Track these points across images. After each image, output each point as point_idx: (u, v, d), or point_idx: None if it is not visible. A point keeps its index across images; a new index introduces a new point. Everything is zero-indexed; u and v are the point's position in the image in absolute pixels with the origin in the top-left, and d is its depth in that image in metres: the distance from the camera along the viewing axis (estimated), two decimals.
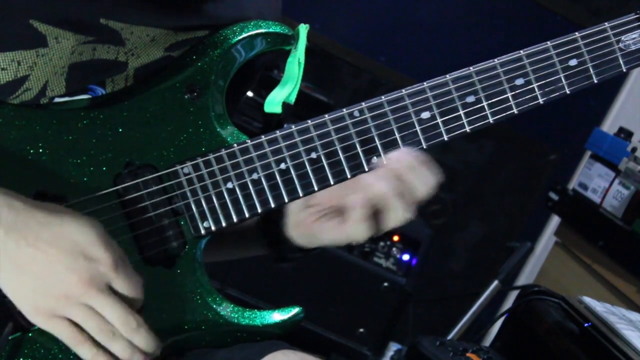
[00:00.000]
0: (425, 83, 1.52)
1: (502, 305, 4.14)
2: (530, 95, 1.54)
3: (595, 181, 3.28)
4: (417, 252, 3.47)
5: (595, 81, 1.56)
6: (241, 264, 3.09)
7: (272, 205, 1.49)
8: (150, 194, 1.46)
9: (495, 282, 3.02)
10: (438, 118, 1.52)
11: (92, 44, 1.45)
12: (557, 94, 1.55)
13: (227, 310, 1.52)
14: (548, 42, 1.55)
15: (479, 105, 1.53)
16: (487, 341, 3.64)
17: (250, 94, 2.92)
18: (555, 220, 4.00)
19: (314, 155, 1.49)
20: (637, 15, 1.58)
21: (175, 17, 1.49)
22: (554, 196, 3.50)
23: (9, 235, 1.28)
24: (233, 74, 1.53)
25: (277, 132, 1.49)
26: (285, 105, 1.55)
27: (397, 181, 1.48)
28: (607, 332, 1.97)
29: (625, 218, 3.02)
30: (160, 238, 1.47)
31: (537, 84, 1.54)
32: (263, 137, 1.49)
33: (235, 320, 1.52)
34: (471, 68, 1.53)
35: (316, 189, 1.50)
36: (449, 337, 2.97)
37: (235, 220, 1.48)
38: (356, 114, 1.50)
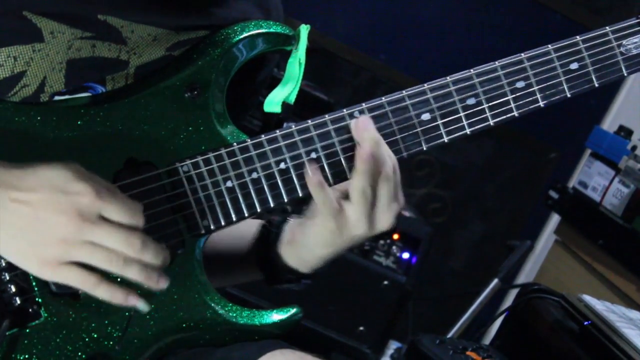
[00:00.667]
0: (426, 84, 1.52)
1: (502, 303, 4.13)
2: (531, 98, 1.54)
3: (595, 179, 3.28)
4: (417, 251, 3.46)
5: (596, 85, 1.56)
6: None
7: (272, 205, 1.49)
8: (150, 191, 1.46)
9: (495, 281, 3.02)
10: (439, 120, 1.52)
11: (90, 40, 1.45)
12: (558, 97, 1.55)
13: (225, 309, 1.52)
14: (549, 46, 1.55)
15: (480, 108, 1.53)
16: (487, 339, 3.64)
17: None
18: (555, 219, 4.00)
19: (314, 155, 1.49)
20: (638, 20, 1.58)
21: (178, 17, 1.49)
22: (554, 194, 3.49)
23: None
24: (237, 79, 1.53)
25: (277, 131, 1.49)
26: (284, 104, 1.55)
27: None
28: (606, 331, 1.97)
29: (625, 216, 3.02)
30: (159, 236, 1.46)
31: (538, 87, 1.54)
32: (263, 136, 1.49)
33: (234, 320, 1.52)
34: (472, 70, 1.53)
35: None
36: (449, 335, 2.97)
37: (234, 219, 1.48)
38: (357, 114, 1.50)
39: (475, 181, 4.42)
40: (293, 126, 1.49)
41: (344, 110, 1.50)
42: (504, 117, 1.54)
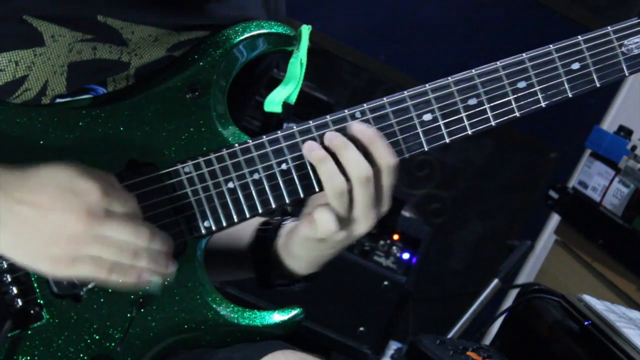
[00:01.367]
0: (427, 85, 1.52)
1: (502, 303, 4.13)
2: (532, 99, 1.54)
3: (595, 179, 3.28)
4: (417, 251, 3.46)
5: (598, 85, 1.56)
6: None
7: (273, 206, 1.49)
8: (151, 192, 1.46)
9: (496, 281, 3.02)
10: (440, 120, 1.52)
11: (91, 43, 1.44)
12: (560, 97, 1.55)
13: (227, 310, 1.52)
14: (550, 46, 1.55)
15: (481, 108, 1.53)
16: (487, 339, 3.64)
17: None
18: (555, 219, 4.00)
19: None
20: (639, 20, 1.58)
21: (178, 17, 1.49)
22: (554, 194, 3.49)
23: None
24: (235, 74, 1.53)
25: (279, 132, 1.49)
26: (285, 104, 1.55)
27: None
28: (607, 331, 1.97)
29: (625, 216, 3.02)
30: None
31: (539, 87, 1.54)
32: (264, 137, 1.49)
33: (235, 321, 1.52)
34: (473, 70, 1.53)
35: (317, 189, 1.50)
36: (449, 335, 2.97)
37: (236, 220, 1.48)
38: (358, 115, 1.50)
39: (475, 181, 4.42)
40: (294, 127, 1.50)
41: (346, 110, 1.50)
42: (506, 117, 1.54)
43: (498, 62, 1.53)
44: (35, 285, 1.41)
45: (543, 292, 2.32)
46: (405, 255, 3.45)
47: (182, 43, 1.52)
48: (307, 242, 1.54)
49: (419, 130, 1.52)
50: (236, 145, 1.48)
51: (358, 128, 1.47)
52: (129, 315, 1.45)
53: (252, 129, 2.92)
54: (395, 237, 3.47)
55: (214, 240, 1.56)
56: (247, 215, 1.48)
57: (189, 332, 1.51)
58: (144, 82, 1.50)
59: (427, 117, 1.52)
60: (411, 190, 4.28)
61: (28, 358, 1.42)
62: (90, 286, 1.42)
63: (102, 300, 1.44)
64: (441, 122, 1.52)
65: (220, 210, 1.48)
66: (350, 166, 1.45)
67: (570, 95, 1.55)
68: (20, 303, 1.41)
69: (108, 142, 1.45)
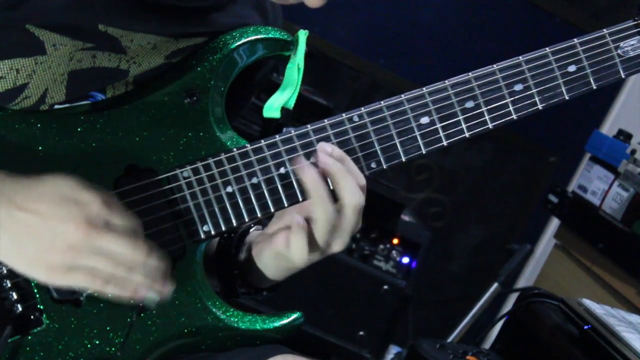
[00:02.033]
0: (424, 88, 1.52)
1: (502, 307, 4.14)
2: (529, 101, 1.54)
3: (594, 183, 3.28)
4: (416, 255, 3.46)
5: (594, 87, 1.56)
6: None
7: (272, 210, 1.49)
8: (150, 197, 1.46)
9: (495, 285, 3.03)
10: (437, 123, 1.52)
11: (91, 51, 1.45)
12: (556, 99, 1.55)
13: (227, 314, 1.52)
14: (547, 48, 1.55)
15: (478, 111, 1.53)
16: (487, 344, 3.64)
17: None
18: (554, 223, 4.00)
19: (313, 159, 1.49)
20: (636, 22, 1.58)
21: (177, 24, 1.49)
22: (553, 198, 3.49)
23: None
24: (233, 79, 1.53)
25: (277, 136, 1.49)
26: (284, 109, 1.55)
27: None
28: (606, 335, 1.97)
29: (625, 220, 3.02)
30: (160, 241, 1.47)
31: (536, 90, 1.54)
32: (262, 141, 1.49)
33: (235, 325, 1.52)
34: (470, 74, 1.53)
35: None
36: (449, 339, 2.97)
37: (234, 224, 1.49)
38: (355, 118, 1.51)
39: (475, 185, 4.42)
40: (292, 131, 1.50)
41: (343, 114, 1.51)
42: (503, 120, 1.54)
43: (495, 65, 1.54)
44: (35, 290, 1.41)
45: (543, 296, 2.32)
46: (405, 260, 3.45)
47: (181, 50, 1.52)
48: (278, 256, 1.53)
49: (417, 133, 1.52)
50: (234, 149, 1.49)
51: (328, 164, 1.46)
52: (129, 320, 1.45)
53: (252, 133, 2.92)
54: (395, 241, 3.46)
55: None
56: (246, 219, 1.49)
57: (189, 337, 1.51)
58: (142, 88, 1.51)
59: (425, 120, 1.52)
60: (411, 194, 4.28)
61: None
62: (89, 291, 1.42)
63: (102, 305, 1.44)
64: (438, 125, 1.52)
65: (219, 215, 1.48)
66: (346, 195, 1.45)
67: (566, 98, 1.55)
68: (20, 308, 1.41)
69: (106, 147, 1.46)
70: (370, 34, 4.22)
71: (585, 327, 2.03)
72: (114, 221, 1.32)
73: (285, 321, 1.55)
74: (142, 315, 1.46)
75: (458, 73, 1.54)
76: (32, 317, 1.42)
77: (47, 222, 1.29)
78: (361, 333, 3.34)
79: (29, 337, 1.42)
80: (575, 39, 1.56)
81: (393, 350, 3.68)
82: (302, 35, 1.54)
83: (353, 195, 1.45)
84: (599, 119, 4.29)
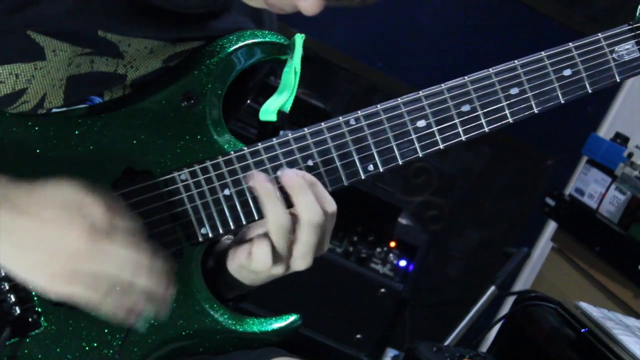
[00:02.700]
0: (421, 92, 1.52)
1: (499, 311, 4.13)
2: (525, 105, 1.55)
3: (591, 186, 3.29)
4: (414, 258, 3.46)
5: (590, 91, 1.56)
6: None
7: None
8: (148, 200, 1.47)
9: (492, 288, 3.02)
10: (434, 127, 1.53)
11: (89, 56, 1.45)
12: (552, 103, 1.56)
13: (224, 316, 1.52)
14: (542, 52, 1.56)
15: (475, 114, 1.53)
16: (484, 347, 3.64)
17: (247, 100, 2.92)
18: (551, 226, 4.00)
19: (310, 162, 1.50)
20: (630, 27, 1.59)
21: (174, 30, 1.49)
22: (550, 202, 3.50)
23: (1, 209, 1.28)
24: (230, 83, 1.53)
25: (274, 139, 1.50)
26: (280, 112, 1.55)
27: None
28: (603, 338, 1.97)
29: (622, 223, 3.02)
30: (158, 244, 1.47)
31: (531, 94, 1.55)
32: (260, 144, 1.49)
33: (233, 327, 1.52)
34: (466, 77, 1.54)
35: None
36: (446, 342, 2.96)
37: (232, 227, 1.49)
38: (352, 122, 1.51)
39: (472, 189, 4.42)
40: (289, 134, 1.50)
41: (340, 117, 1.51)
42: (499, 123, 1.54)
43: (490, 69, 1.54)
44: (33, 293, 1.42)
45: (540, 299, 2.32)
46: (402, 263, 3.45)
47: (178, 54, 1.53)
48: (242, 269, 1.53)
49: (413, 136, 1.52)
50: (232, 152, 1.49)
51: (291, 178, 1.47)
52: None
53: (250, 136, 2.91)
54: (392, 244, 3.46)
55: None
56: (244, 222, 1.49)
57: (187, 339, 1.51)
58: (140, 92, 1.51)
59: (421, 123, 1.52)
60: (408, 198, 4.28)
61: None
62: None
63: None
64: (435, 129, 1.53)
65: (216, 217, 1.48)
66: (302, 209, 1.45)
67: (562, 101, 1.56)
68: (18, 311, 1.41)
69: (104, 150, 1.46)
70: (368, 37, 4.22)
71: (583, 330, 2.04)
72: (117, 226, 1.31)
73: (282, 324, 1.55)
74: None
75: (456, 76, 1.54)
76: (30, 319, 1.42)
77: (49, 229, 1.28)
78: (358, 336, 3.34)
79: (27, 340, 1.42)
80: (570, 43, 1.56)
81: (390, 353, 3.68)
82: (299, 39, 1.55)
83: (309, 211, 1.45)
84: (596, 122, 4.29)
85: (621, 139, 3.25)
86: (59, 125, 1.45)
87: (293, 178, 1.46)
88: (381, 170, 1.53)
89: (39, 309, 1.42)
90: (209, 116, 1.51)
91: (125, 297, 1.32)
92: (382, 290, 3.36)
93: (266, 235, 1.47)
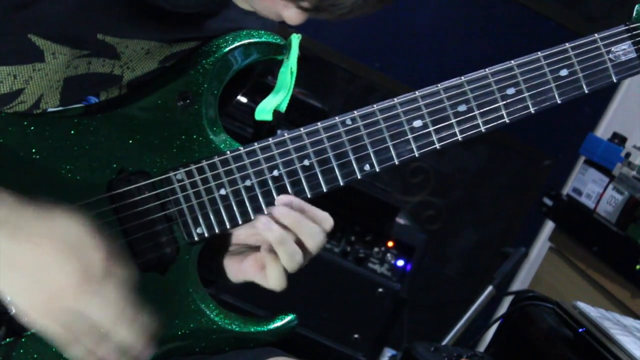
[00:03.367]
0: (417, 92, 1.52)
1: (497, 310, 4.14)
2: (521, 105, 1.55)
3: (589, 187, 3.29)
4: (411, 258, 3.46)
5: (586, 91, 1.56)
6: None
7: (265, 212, 1.49)
8: (143, 200, 1.47)
9: (490, 288, 3.03)
10: (430, 126, 1.52)
11: (87, 58, 1.45)
12: (548, 103, 1.56)
13: (220, 316, 1.52)
14: (539, 53, 1.56)
15: (471, 114, 1.53)
16: (482, 347, 3.65)
17: (243, 99, 2.92)
18: (549, 226, 4.00)
19: (306, 162, 1.50)
20: (627, 27, 1.59)
21: (171, 30, 1.49)
22: (548, 202, 3.50)
23: (1, 231, 1.27)
24: (226, 83, 1.53)
25: (270, 139, 1.49)
26: (276, 112, 1.55)
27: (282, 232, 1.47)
28: (601, 338, 1.97)
29: (619, 223, 3.03)
30: (154, 244, 1.47)
31: (528, 94, 1.55)
32: (256, 144, 1.49)
33: (229, 327, 1.52)
34: (462, 77, 1.53)
35: (309, 195, 1.50)
36: (444, 342, 2.97)
37: (228, 226, 1.49)
38: (348, 122, 1.51)
39: (470, 188, 4.42)
40: (286, 134, 1.50)
41: (336, 118, 1.51)
42: (495, 123, 1.54)
43: (487, 69, 1.54)
44: None
45: (537, 299, 2.32)
46: (400, 263, 3.45)
47: (174, 55, 1.53)
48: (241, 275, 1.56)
49: (410, 136, 1.52)
50: (228, 152, 1.49)
51: (283, 215, 1.48)
52: None
53: (246, 136, 2.91)
54: (390, 244, 3.46)
55: None
56: (240, 222, 1.49)
57: (183, 339, 1.51)
58: (135, 92, 1.51)
59: (418, 123, 1.52)
60: (405, 198, 4.28)
61: None
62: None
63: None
64: (431, 129, 1.53)
65: (212, 217, 1.48)
66: (307, 241, 1.48)
67: (559, 102, 1.56)
68: (13, 310, 1.41)
69: (100, 150, 1.45)
70: (366, 37, 4.22)
71: (580, 330, 2.03)
72: (111, 275, 1.30)
73: (279, 323, 1.55)
74: None
75: (453, 77, 1.54)
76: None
77: (42, 263, 1.27)
78: (356, 336, 3.34)
79: (23, 340, 1.42)
80: (567, 44, 1.56)
81: (388, 353, 3.67)
82: (295, 39, 1.54)
83: (314, 240, 1.48)
84: (593, 122, 4.30)
85: (619, 139, 3.25)
86: (55, 125, 1.44)
87: (285, 215, 1.47)
88: (377, 170, 1.53)
89: None
90: (205, 116, 1.51)
91: (99, 346, 1.30)
92: (380, 290, 3.36)
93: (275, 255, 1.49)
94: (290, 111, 1.57)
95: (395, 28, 4.20)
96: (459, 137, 1.54)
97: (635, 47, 1.58)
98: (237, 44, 1.52)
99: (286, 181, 1.49)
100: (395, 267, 3.44)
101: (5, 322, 1.40)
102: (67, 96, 1.46)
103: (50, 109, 1.46)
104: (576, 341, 2.05)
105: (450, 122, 1.53)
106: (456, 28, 4.25)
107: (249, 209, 1.49)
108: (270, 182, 1.49)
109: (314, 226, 1.48)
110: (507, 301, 3.64)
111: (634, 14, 1.59)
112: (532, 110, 1.55)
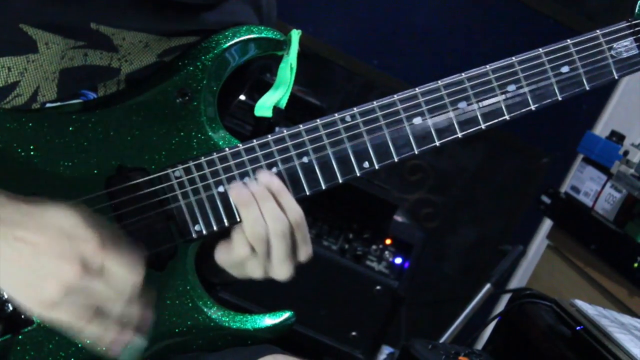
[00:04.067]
0: (417, 88, 1.52)
1: (495, 308, 4.14)
2: (522, 102, 1.54)
3: (587, 184, 3.29)
4: (409, 256, 3.46)
5: (587, 88, 1.56)
6: None
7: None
8: (142, 196, 1.46)
9: (488, 286, 3.03)
10: (430, 124, 1.52)
11: (83, 49, 1.44)
12: (549, 100, 1.55)
13: (218, 313, 1.52)
14: (540, 49, 1.55)
15: (471, 111, 1.53)
16: (480, 344, 3.64)
17: (242, 97, 2.92)
18: (547, 224, 4.00)
19: (305, 159, 1.49)
20: (629, 23, 1.58)
21: (169, 22, 1.49)
22: (546, 199, 3.50)
23: None
24: (225, 79, 1.53)
25: (269, 136, 1.49)
26: (276, 108, 1.55)
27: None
28: (598, 335, 1.97)
29: (617, 221, 3.03)
30: (152, 241, 1.47)
31: (528, 90, 1.54)
32: (255, 141, 1.49)
33: (226, 324, 1.52)
34: (463, 74, 1.53)
35: (307, 193, 1.50)
36: (441, 340, 2.97)
37: (226, 223, 1.48)
38: (348, 118, 1.51)
39: (468, 186, 4.42)
40: (285, 131, 1.50)
41: (336, 114, 1.51)
42: (496, 120, 1.54)
43: (488, 66, 1.54)
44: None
45: (535, 297, 2.32)
46: (398, 260, 3.45)
47: (173, 49, 1.52)
48: (226, 260, 1.54)
49: (409, 133, 1.52)
50: (226, 149, 1.48)
51: (264, 179, 1.47)
52: None
53: (245, 133, 2.91)
54: (388, 241, 3.47)
55: None
56: (238, 219, 1.48)
57: (181, 336, 1.50)
58: (134, 87, 1.51)
59: (417, 120, 1.52)
60: (404, 195, 4.28)
61: None
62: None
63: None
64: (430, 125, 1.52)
65: (210, 214, 1.48)
66: (267, 219, 1.46)
67: (559, 98, 1.56)
68: (10, 307, 1.41)
69: (98, 146, 1.45)
70: (365, 34, 4.22)
71: (578, 328, 2.03)
72: (108, 265, 1.31)
73: (276, 320, 1.55)
74: None
75: (452, 74, 1.54)
76: (22, 316, 1.42)
77: (41, 257, 1.28)
78: (353, 333, 3.34)
79: (20, 337, 1.42)
80: (568, 40, 1.56)
81: (385, 350, 3.68)
82: (295, 34, 1.54)
83: (273, 221, 1.46)
84: (591, 120, 4.30)
85: (617, 137, 3.25)
86: (53, 122, 1.44)
87: (255, 189, 1.46)
88: (377, 167, 1.52)
89: None
90: (203, 112, 1.50)
91: (109, 328, 1.33)
92: (378, 287, 3.36)
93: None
94: (289, 109, 1.57)
95: (394, 26, 4.20)
96: (459, 135, 1.54)
97: (638, 43, 1.58)
98: (237, 39, 1.52)
99: (285, 178, 1.49)
100: (393, 264, 3.44)
101: (2, 320, 1.40)
102: (64, 89, 1.46)
103: (48, 104, 1.46)
104: (574, 339, 2.05)
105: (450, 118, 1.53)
106: (455, 26, 4.25)
107: None
108: None
109: (277, 209, 1.46)
110: (505, 299, 3.64)
111: (636, 10, 1.58)
112: (532, 107, 1.55)
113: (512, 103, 1.54)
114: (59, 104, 1.47)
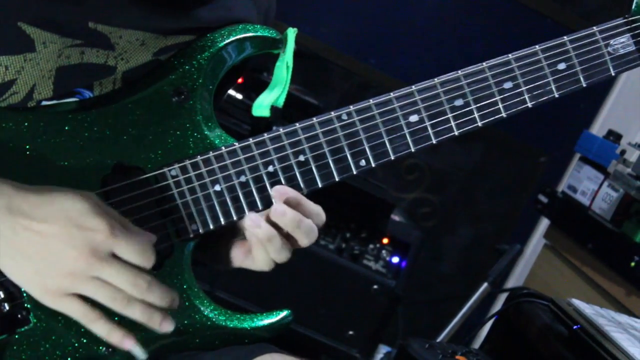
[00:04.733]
0: (413, 86, 1.52)
1: (492, 307, 4.14)
2: (518, 99, 1.54)
3: (584, 184, 3.29)
4: (406, 255, 3.46)
5: (584, 85, 1.56)
6: None
7: (260, 208, 1.49)
8: (138, 196, 1.46)
9: (485, 285, 3.02)
10: (426, 121, 1.52)
11: (80, 48, 1.44)
12: (546, 97, 1.55)
13: (215, 312, 1.51)
14: (537, 46, 1.55)
15: (468, 109, 1.53)
16: (477, 344, 3.64)
17: (239, 96, 2.91)
18: (544, 223, 4.00)
19: (302, 158, 1.49)
20: (625, 20, 1.58)
21: (165, 20, 1.49)
22: (543, 199, 3.50)
23: (3, 222, 1.28)
24: (221, 77, 1.53)
25: (265, 135, 1.49)
26: (274, 108, 1.55)
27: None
28: (595, 335, 1.97)
29: (614, 220, 3.03)
30: None
31: (525, 88, 1.54)
32: (251, 139, 1.49)
33: (224, 323, 1.52)
34: (459, 72, 1.53)
35: (304, 191, 1.50)
36: (438, 339, 2.96)
37: (223, 222, 1.48)
38: (344, 117, 1.51)
39: (465, 185, 4.42)
40: (281, 129, 1.50)
41: (332, 113, 1.51)
42: (492, 117, 1.54)
43: (484, 63, 1.54)
44: (22, 289, 1.41)
45: (532, 296, 2.31)
46: (395, 259, 3.45)
47: (169, 47, 1.52)
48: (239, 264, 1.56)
49: (406, 131, 1.52)
50: (223, 148, 1.48)
51: (283, 213, 1.47)
52: (116, 318, 1.45)
53: (242, 132, 2.92)
54: (385, 241, 3.47)
55: None
56: (234, 217, 1.48)
57: (177, 335, 1.50)
58: (130, 86, 1.50)
59: (414, 118, 1.52)
60: (401, 194, 4.28)
61: None
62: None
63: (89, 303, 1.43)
64: (428, 123, 1.52)
65: (207, 213, 1.48)
66: (302, 239, 1.48)
67: (556, 95, 1.56)
68: (7, 307, 1.41)
69: (94, 145, 1.45)
70: (361, 33, 4.22)
71: (575, 327, 2.03)
72: (118, 252, 1.32)
73: (273, 319, 1.55)
74: None
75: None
76: (19, 315, 1.41)
77: (49, 246, 1.29)
78: (350, 332, 3.34)
79: (16, 336, 1.41)
80: (565, 37, 1.56)
81: (382, 349, 3.68)
82: (291, 33, 1.54)
83: (309, 237, 1.48)
84: (588, 119, 4.30)
85: (614, 136, 3.25)
86: (49, 121, 1.44)
87: (281, 213, 1.46)
88: (373, 165, 1.52)
89: (28, 305, 1.42)
90: (199, 111, 1.50)
91: (115, 330, 1.35)
92: (375, 286, 3.36)
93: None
94: (285, 108, 1.57)
95: (391, 25, 4.20)
96: (456, 132, 1.53)
97: (634, 40, 1.58)
98: (232, 38, 1.52)
99: (281, 177, 1.49)
100: (390, 263, 3.44)
101: None
102: (60, 87, 1.46)
103: (44, 102, 1.46)
104: (571, 338, 2.05)
105: (447, 116, 1.53)
106: (452, 25, 4.25)
107: (244, 204, 1.49)
108: (265, 177, 1.49)
109: (309, 223, 1.47)
110: (502, 298, 3.64)
111: (633, 7, 1.58)
112: (529, 104, 1.55)
113: (508, 100, 1.54)
114: (54, 101, 1.47)
